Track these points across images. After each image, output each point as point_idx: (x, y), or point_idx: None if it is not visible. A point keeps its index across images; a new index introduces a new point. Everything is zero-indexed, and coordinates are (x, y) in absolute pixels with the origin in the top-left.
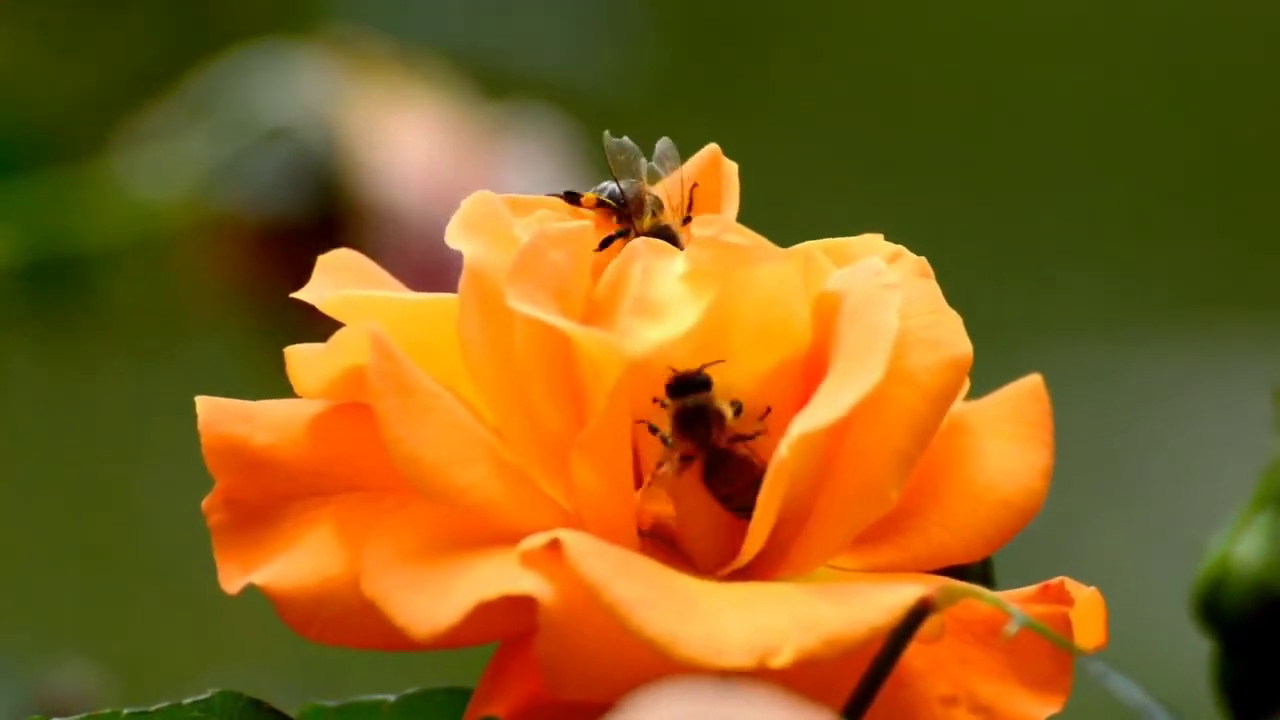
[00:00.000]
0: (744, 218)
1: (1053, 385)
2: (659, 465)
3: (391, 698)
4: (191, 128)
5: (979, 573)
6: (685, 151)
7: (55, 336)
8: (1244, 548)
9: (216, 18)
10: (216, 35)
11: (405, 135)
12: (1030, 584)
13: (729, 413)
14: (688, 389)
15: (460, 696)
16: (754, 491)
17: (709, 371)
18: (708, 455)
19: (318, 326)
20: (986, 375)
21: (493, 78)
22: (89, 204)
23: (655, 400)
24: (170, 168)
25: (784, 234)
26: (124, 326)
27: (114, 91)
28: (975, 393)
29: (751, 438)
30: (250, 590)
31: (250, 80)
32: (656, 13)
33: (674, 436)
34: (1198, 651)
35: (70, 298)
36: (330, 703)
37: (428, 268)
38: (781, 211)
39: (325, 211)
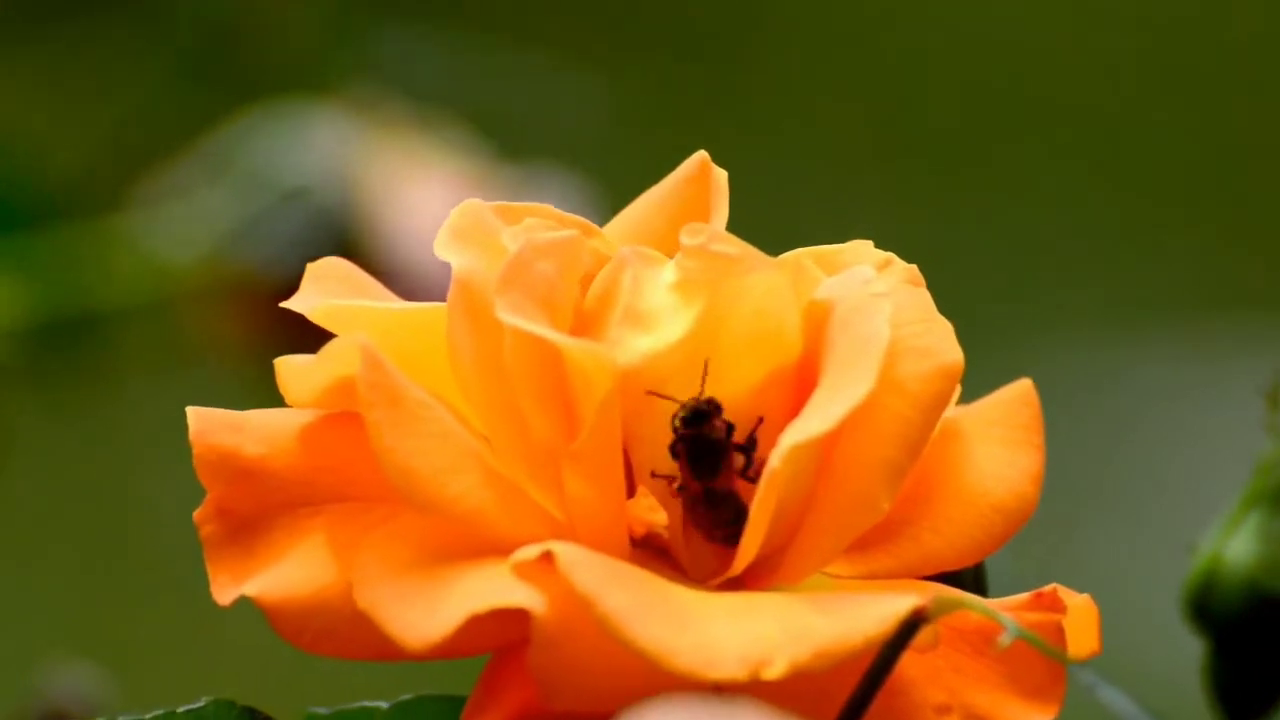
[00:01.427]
0: (741, 224)
1: (1051, 388)
2: (652, 474)
3: (385, 705)
4: (209, 186)
5: (972, 578)
6: (686, 155)
7: (69, 390)
8: (1235, 547)
9: (235, 76)
10: (235, 94)
11: (422, 196)
12: (1029, 587)
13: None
14: (700, 420)
15: (454, 704)
16: (736, 525)
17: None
18: (705, 489)
19: None
20: (984, 378)
21: (510, 138)
22: (105, 261)
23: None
24: (187, 226)
25: (781, 237)
26: (138, 382)
27: (131, 148)
28: (973, 397)
29: (751, 465)
30: (248, 599)
31: (268, 140)
32: (653, 27)
33: (683, 469)
34: (1194, 653)
35: (85, 354)
36: (323, 710)
37: None
38: (778, 216)
39: None
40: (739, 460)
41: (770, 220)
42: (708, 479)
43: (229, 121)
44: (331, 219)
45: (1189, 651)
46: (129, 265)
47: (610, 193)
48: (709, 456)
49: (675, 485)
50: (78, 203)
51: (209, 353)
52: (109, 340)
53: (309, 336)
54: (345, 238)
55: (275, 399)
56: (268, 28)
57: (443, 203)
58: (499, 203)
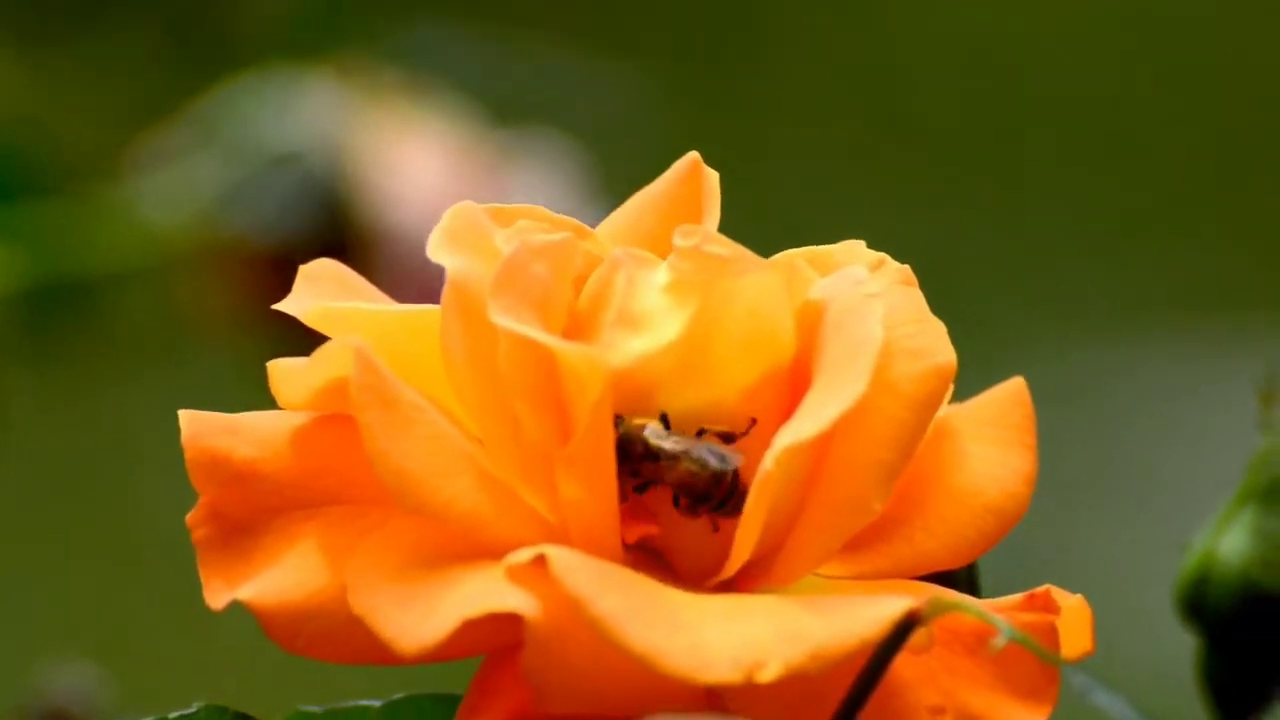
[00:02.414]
0: (738, 223)
1: (1051, 387)
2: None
3: (377, 704)
4: (200, 153)
5: (965, 578)
6: (677, 155)
7: (61, 359)
8: (1228, 544)
9: (225, 43)
10: (225, 60)
11: (412, 161)
12: (1028, 586)
13: (650, 428)
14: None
15: (446, 703)
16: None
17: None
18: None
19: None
20: (985, 377)
21: (500, 104)
22: (97, 228)
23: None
24: (178, 192)
25: (784, 234)
26: (130, 349)
27: (122, 116)
28: (972, 394)
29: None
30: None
31: (258, 106)
32: (657, 25)
33: (644, 475)
34: (1192, 649)
35: (77, 322)
36: (315, 708)
37: (434, 295)
38: (780, 211)
39: (332, 237)
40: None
41: (769, 219)
42: (651, 462)
43: (218, 88)
44: (321, 185)
45: (1183, 649)
46: (120, 233)
47: (608, 182)
48: (628, 449)
49: (677, 501)
50: (68, 171)
51: (200, 320)
52: (100, 308)
53: None
54: (335, 203)
55: (264, 366)
56: None
57: (433, 169)
58: (491, 205)
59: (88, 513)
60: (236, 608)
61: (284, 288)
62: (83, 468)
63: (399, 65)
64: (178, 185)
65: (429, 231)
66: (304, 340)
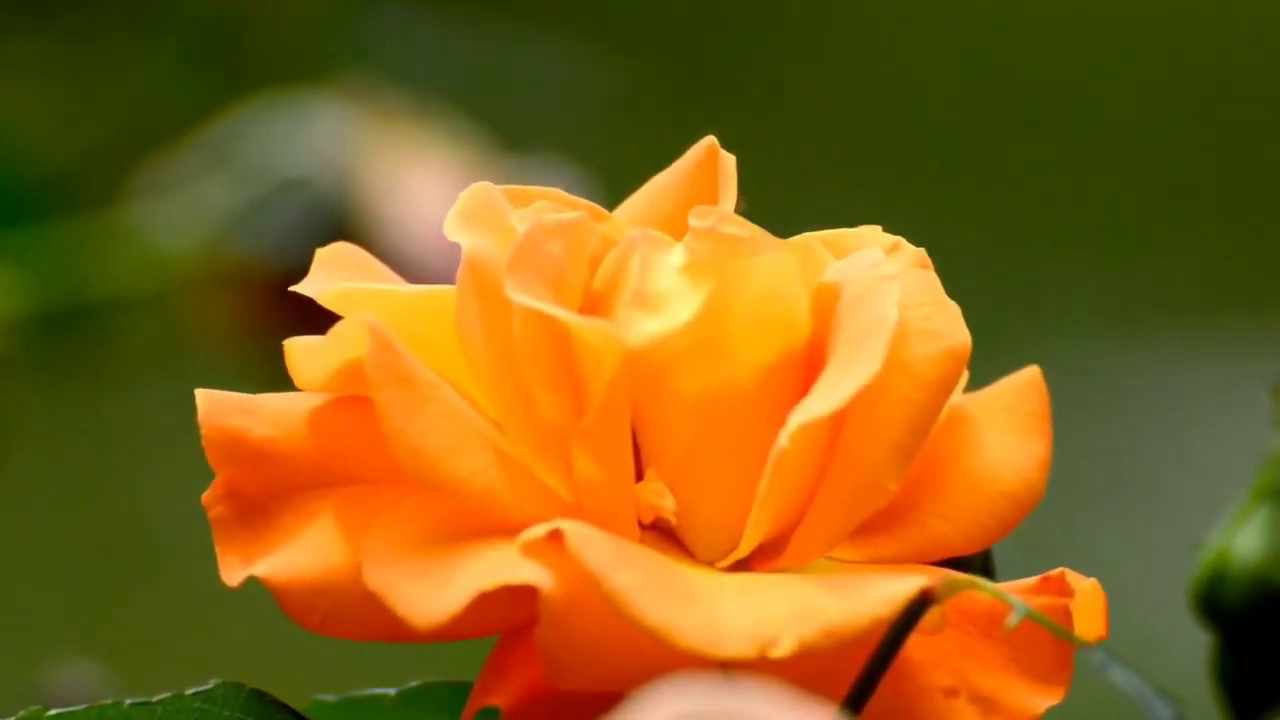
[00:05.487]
0: (744, 210)
1: (1053, 384)
2: None
3: (392, 691)
4: (207, 177)
5: (979, 565)
6: (685, 148)
7: (69, 380)
8: (1243, 541)
9: (232, 66)
10: (233, 84)
11: (420, 186)
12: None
13: None
14: None
15: (461, 690)
16: None
17: None
18: None
19: None
20: (987, 373)
21: (507, 126)
22: (104, 252)
23: None
24: (185, 216)
25: (784, 227)
26: (137, 372)
27: (130, 140)
28: (974, 391)
29: None
30: (250, 592)
31: (266, 130)
32: (657, 16)
33: None
34: (1197, 649)
35: (85, 344)
36: (330, 697)
37: None
38: (780, 204)
39: None
40: None
41: (761, 218)
42: None
43: (227, 112)
44: (329, 209)
45: (1193, 650)
46: (127, 256)
47: (606, 182)
48: None
49: None
50: (76, 194)
51: (207, 343)
52: (108, 331)
53: (307, 326)
54: (343, 227)
55: (273, 388)
56: (265, 18)
57: (440, 193)
58: (508, 186)
59: (93, 523)
60: (241, 606)
61: (290, 312)
62: (87, 481)
63: (382, 70)
64: (186, 209)
65: (435, 255)
66: None
